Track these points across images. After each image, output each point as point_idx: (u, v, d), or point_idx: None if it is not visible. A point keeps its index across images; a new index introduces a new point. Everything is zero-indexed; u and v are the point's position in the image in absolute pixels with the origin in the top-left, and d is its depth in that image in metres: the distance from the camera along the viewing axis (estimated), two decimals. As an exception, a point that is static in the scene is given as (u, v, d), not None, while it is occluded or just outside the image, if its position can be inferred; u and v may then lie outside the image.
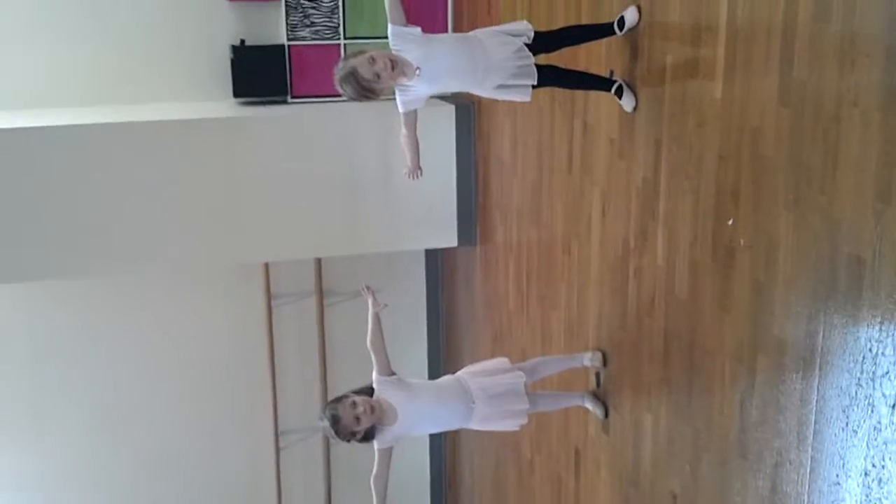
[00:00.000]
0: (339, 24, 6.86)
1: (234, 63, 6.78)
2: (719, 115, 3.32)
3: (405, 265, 7.95)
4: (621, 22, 3.87)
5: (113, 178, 6.14)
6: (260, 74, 6.81)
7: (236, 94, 6.81)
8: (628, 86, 3.95)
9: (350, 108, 6.76)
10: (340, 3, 6.83)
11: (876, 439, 2.57)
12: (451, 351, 7.94)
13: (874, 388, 2.57)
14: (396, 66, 3.55)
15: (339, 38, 6.89)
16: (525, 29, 3.77)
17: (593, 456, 4.72)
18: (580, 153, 4.70)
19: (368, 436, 3.67)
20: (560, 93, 4.89)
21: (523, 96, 3.82)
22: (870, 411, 2.59)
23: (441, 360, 8.18)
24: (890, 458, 2.52)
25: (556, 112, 5.00)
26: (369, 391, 3.76)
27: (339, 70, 3.60)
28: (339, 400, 3.67)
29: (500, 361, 4.26)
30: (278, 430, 7.97)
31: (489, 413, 4.00)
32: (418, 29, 3.65)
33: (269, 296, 7.69)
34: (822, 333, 2.78)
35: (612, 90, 3.96)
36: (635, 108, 3.94)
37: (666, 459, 3.88)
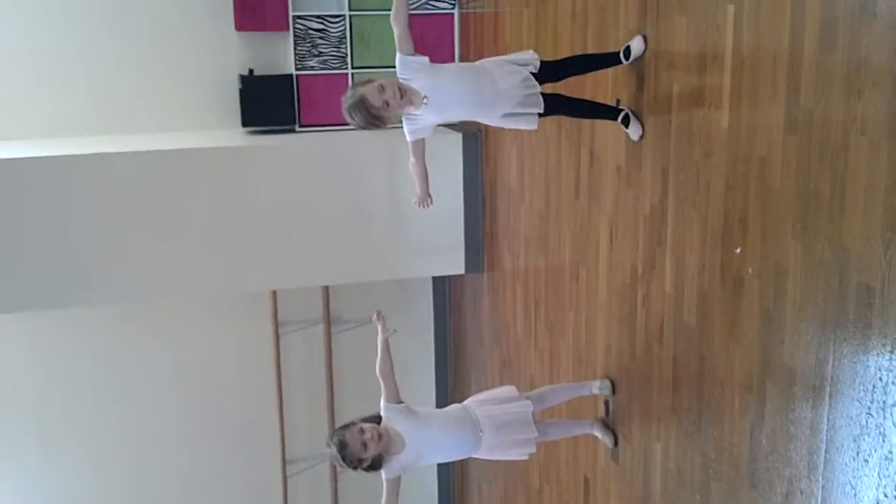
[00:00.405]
0: (346, 55, 6.92)
1: (242, 92, 6.83)
2: (726, 144, 3.33)
3: (413, 292, 7.95)
4: (627, 51, 3.89)
5: (122, 206, 6.17)
6: (268, 104, 6.86)
7: (245, 124, 6.86)
8: (635, 115, 3.96)
9: (357, 137, 6.81)
10: (348, 34, 6.90)
11: (887, 469, 2.55)
12: (459, 378, 7.92)
13: (885, 417, 2.55)
14: (405, 94, 3.58)
15: (346, 68, 6.94)
16: (531, 58, 3.79)
17: (602, 484, 4.70)
18: (587, 181, 4.71)
19: (375, 465, 3.66)
20: (567, 121, 4.91)
21: (530, 125, 3.83)
22: (881, 441, 2.58)
23: (449, 388, 8.16)
24: (902, 488, 2.51)
25: (563, 140, 5.02)
26: (377, 419, 3.74)
27: (348, 98, 3.61)
28: (346, 427, 3.66)
29: (508, 390, 4.25)
30: (286, 458, 7.95)
31: (497, 442, 3.98)
32: (426, 58, 3.67)
33: (276, 323, 7.69)
34: (831, 362, 2.77)
35: (619, 119, 3.98)
36: (642, 137, 3.96)
37: (676, 488, 3.86)
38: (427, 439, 3.84)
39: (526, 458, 4.17)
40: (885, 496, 2.57)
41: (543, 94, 3.76)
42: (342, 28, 6.91)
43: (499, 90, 3.69)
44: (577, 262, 4.92)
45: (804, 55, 2.85)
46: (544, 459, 5.55)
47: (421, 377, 8.03)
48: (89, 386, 7.57)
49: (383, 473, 3.72)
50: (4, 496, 7.72)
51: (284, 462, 7.95)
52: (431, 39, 6.78)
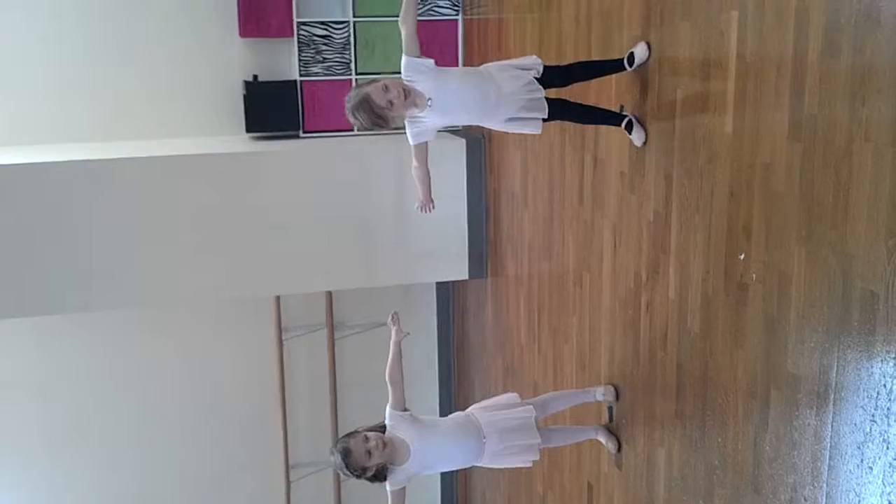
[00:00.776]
0: (350, 61, 6.93)
1: (246, 98, 6.84)
2: (730, 150, 3.32)
3: (416, 298, 7.95)
4: (631, 58, 3.89)
5: (126, 212, 6.18)
6: (272, 110, 6.87)
7: (249, 129, 6.87)
8: (638, 121, 3.97)
9: (361, 143, 6.82)
10: (352, 40, 6.91)
11: (892, 476, 2.55)
12: (463, 384, 7.92)
13: (889, 424, 2.55)
14: (409, 95, 3.58)
15: (350, 74, 6.95)
16: (535, 63, 3.80)
17: (606, 491, 4.69)
18: (591, 187, 4.71)
19: (380, 476, 3.64)
20: (571, 127, 4.91)
21: (534, 129, 3.83)
22: (885, 448, 2.57)
23: (452, 393, 8.16)
24: (906, 495, 2.50)
25: (567, 146, 5.02)
26: (382, 428, 3.73)
27: (352, 97, 3.60)
28: (350, 435, 3.65)
29: (511, 397, 4.23)
30: (289, 463, 7.95)
31: (500, 449, 3.96)
32: (432, 61, 3.67)
33: (279, 329, 7.69)
34: (835, 369, 2.77)
35: (623, 125, 3.98)
36: (645, 143, 3.96)
37: (679, 495, 3.85)
38: (431, 447, 3.82)
39: (529, 465, 4.15)
40: (890, 503, 2.56)
41: (548, 99, 3.76)
42: (346, 34, 6.92)
43: (502, 94, 3.70)
44: (581, 268, 4.92)
45: (808, 61, 2.85)
46: (547, 466, 5.54)
47: (424, 383, 8.02)
48: (93, 391, 7.58)
49: (388, 485, 3.70)
50: (10, 500, 7.73)
51: (288, 467, 7.95)
52: (435, 45, 6.79)
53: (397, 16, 3.69)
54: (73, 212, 6.08)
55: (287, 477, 7.96)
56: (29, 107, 6.83)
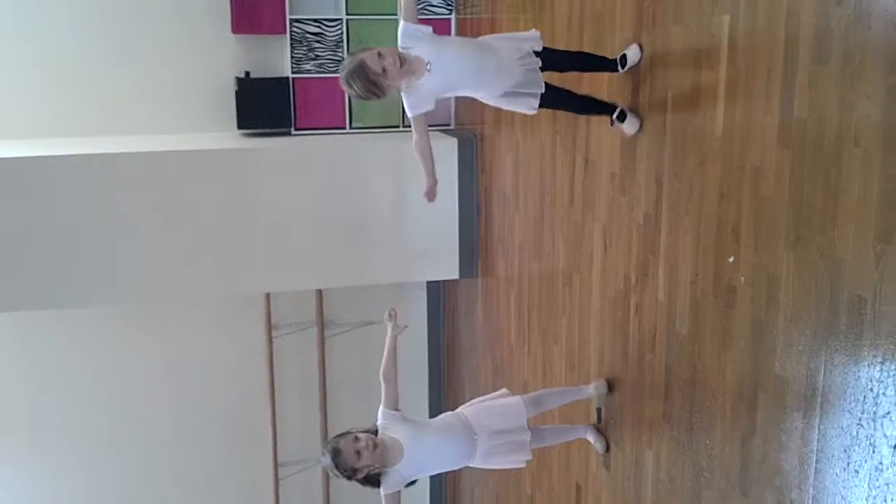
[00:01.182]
0: (343, 58, 6.91)
1: (238, 95, 6.83)
2: (720, 153, 3.33)
3: (407, 297, 7.95)
4: (623, 60, 3.89)
5: (115, 208, 6.17)
6: (264, 107, 6.86)
7: (240, 126, 6.86)
8: (632, 111, 3.95)
9: (353, 141, 6.82)
10: (344, 37, 6.90)
11: (878, 480, 2.56)
12: (452, 383, 7.93)
13: (875, 428, 2.56)
14: (405, 63, 3.49)
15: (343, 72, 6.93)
16: (533, 36, 3.73)
17: (594, 492, 4.70)
18: (581, 188, 4.72)
19: (373, 481, 3.61)
20: (562, 127, 4.92)
21: (528, 108, 3.74)
22: (871, 451, 2.58)
23: (442, 393, 8.16)
24: (892, 499, 2.51)
25: (558, 147, 5.03)
26: (374, 432, 3.70)
27: (347, 64, 3.51)
28: (341, 435, 3.61)
29: (501, 393, 4.22)
30: (277, 461, 7.94)
31: (491, 447, 3.93)
32: (430, 28, 3.59)
33: (269, 326, 7.68)
34: (822, 372, 2.78)
35: (615, 115, 3.95)
36: (639, 131, 3.92)
37: (667, 496, 3.86)
38: (424, 447, 3.78)
39: (522, 465, 4.12)
40: (875, 507, 2.57)
41: (547, 84, 3.70)
42: (339, 32, 6.91)
43: (501, 63, 3.61)
44: (571, 269, 4.93)
45: (798, 66, 2.86)
46: (536, 467, 5.55)
47: (414, 382, 8.02)
48: (81, 389, 7.55)
49: (382, 490, 3.66)
50: (-5, 497, 7.72)
51: (276, 465, 7.94)
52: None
53: (390, 14, 3.67)
54: (63, 207, 6.06)
55: (276, 475, 7.96)
56: (21, 102, 6.81)
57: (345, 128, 7.02)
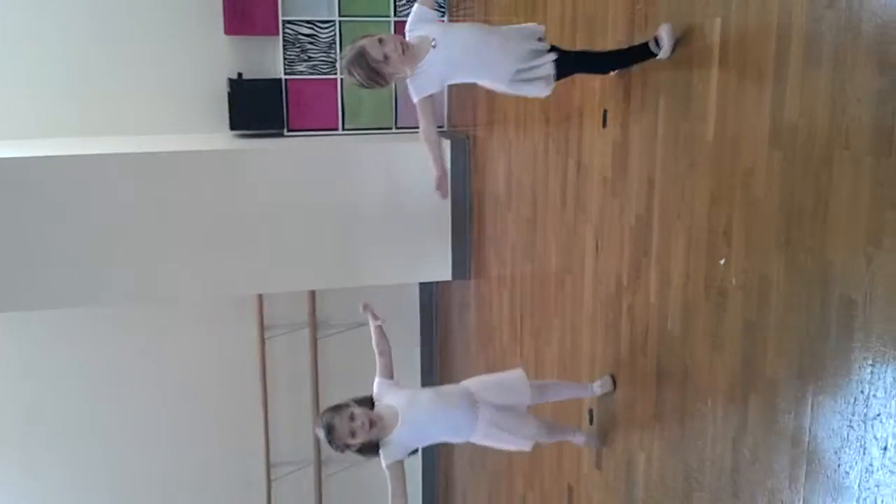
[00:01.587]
0: (335, 60, 6.92)
1: (231, 96, 6.83)
2: (711, 156, 3.34)
3: (399, 298, 7.96)
4: (657, 42, 3.59)
5: (107, 208, 6.16)
6: (257, 108, 6.86)
7: (233, 127, 6.86)
8: (656, 41, 3.60)
9: (346, 142, 6.82)
10: (337, 39, 6.90)
11: (868, 481, 2.57)
12: (445, 384, 7.91)
13: (866, 430, 2.57)
14: (407, 49, 3.40)
15: (335, 74, 6.95)
16: (537, 29, 3.60)
17: (586, 492, 4.71)
18: (574, 190, 4.73)
19: (369, 450, 3.52)
20: (555, 130, 4.93)
21: (542, 90, 3.56)
22: (861, 453, 2.59)
23: (434, 394, 8.15)
24: (882, 501, 2.52)
25: (551, 149, 5.04)
26: (370, 402, 3.62)
27: (348, 52, 3.43)
28: (338, 409, 3.51)
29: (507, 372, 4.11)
30: (270, 462, 7.93)
31: (494, 422, 3.78)
32: (443, 17, 3.54)
33: (262, 327, 7.68)
34: (813, 374, 2.79)
35: (651, 48, 3.60)
36: (674, 50, 3.57)
37: (658, 497, 3.87)
38: (421, 410, 3.67)
39: (526, 448, 3.96)
40: (865, 508, 2.59)
41: (557, 57, 3.52)
42: (332, 33, 6.92)
43: (509, 41, 3.49)
44: (563, 271, 4.94)
45: (790, 68, 2.87)
46: (528, 467, 5.56)
47: (406, 383, 8.00)
48: (72, 389, 7.54)
49: (382, 461, 3.55)
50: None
51: (269, 466, 7.94)
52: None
53: (383, 16, 3.65)
54: (53, 208, 6.05)
55: (268, 475, 7.96)
56: (12, 102, 6.79)
57: (338, 129, 7.02)
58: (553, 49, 3.53)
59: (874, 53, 2.51)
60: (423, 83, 3.51)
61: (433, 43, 3.44)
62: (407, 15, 3.61)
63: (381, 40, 3.37)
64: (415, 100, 3.55)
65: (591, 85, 4.29)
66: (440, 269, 6.93)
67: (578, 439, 4.46)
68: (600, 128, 4.31)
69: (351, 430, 3.45)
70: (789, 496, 2.94)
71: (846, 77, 2.61)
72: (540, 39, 3.57)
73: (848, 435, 2.64)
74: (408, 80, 3.50)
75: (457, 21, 6.85)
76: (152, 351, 7.62)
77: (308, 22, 6.90)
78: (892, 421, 2.48)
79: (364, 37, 3.44)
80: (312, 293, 7.75)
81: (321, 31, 6.92)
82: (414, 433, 3.63)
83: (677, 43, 3.52)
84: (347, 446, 3.48)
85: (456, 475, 7.69)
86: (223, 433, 7.89)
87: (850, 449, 2.64)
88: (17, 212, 5.99)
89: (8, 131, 6.76)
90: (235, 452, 7.97)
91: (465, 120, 6.72)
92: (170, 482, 7.89)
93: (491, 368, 6.46)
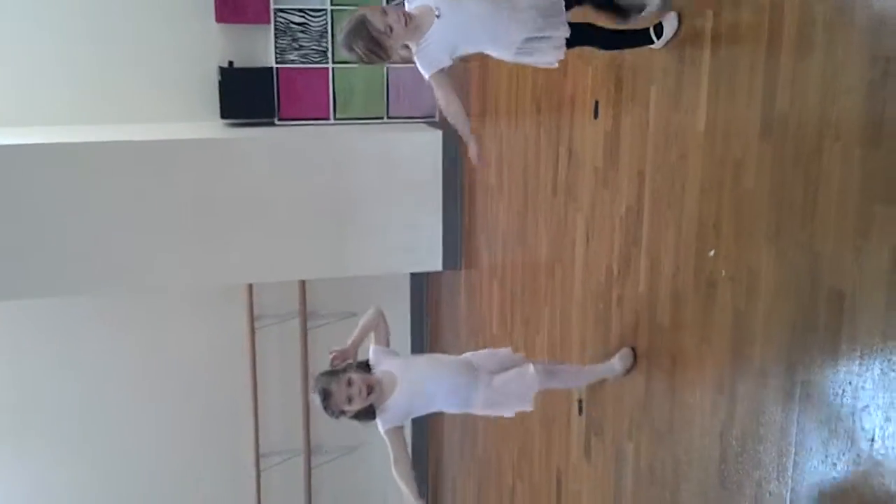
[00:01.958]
0: (327, 49, 6.89)
1: (221, 84, 6.79)
2: (702, 147, 3.34)
3: (390, 288, 7.94)
4: (659, 29, 3.50)
5: (97, 196, 6.13)
6: (247, 96, 6.83)
7: (223, 116, 6.83)
8: (661, 24, 3.51)
9: (337, 131, 6.80)
10: (329, 28, 6.87)
11: (856, 473, 2.58)
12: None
13: (853, 421, 2.58)
14: (409, 21, 3.21)
15: (327, 63, 6.92)
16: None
17: (575, 483, 4.72)
18: (565, 180, 4.73)
19: (366, 416, 3.39)
20: (546, 120, 4.92)
21: (551, 60, 3.36)
22: (849, 444, 2.60)
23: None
24: (869, 492, 2.53)
25: (542, 139, 5.03)
26: (368, 367, 3.48)
27: (348, 23, 3.24)
28: (334, 374, 3.38)
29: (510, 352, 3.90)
30: (259, 452, 7.93)
31: (496, 390, 3.60)
32: None
33: (252, 317, 7.66)
34: (801, 366, 2.80)
35: (653, 34, 3.51)
36: (677, 32, 3.49)
37: (647, 487, 3.88)
38: (418, 374, 3.55)
39: (529, 408, 3.72)
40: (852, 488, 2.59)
41: (570, 23, 3.36)
42: (323, 22, 6.89)
43: (518, 10, 3.29)
44: (554, 260, 4.93)
45: (781, 59, 2.86)
46: (518, 457, 5.57)
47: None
48: (61, 379, 7.51)
49: (380, 426, 3.41)
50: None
51: (258, 456, 7.93)
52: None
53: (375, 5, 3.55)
54: (43, 196, 6.02)
55: (257, 465, 7.95)
56: (1, 91, 6.75)
57: (329, 118, 6.99)
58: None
59: (865, 43, 2.51)
60: (431, 57, 3.30)
61: (437, 13, 3.24)
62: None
63: (384, 11, 3.19)
64: (426, 76, 3.33)
65: (582, 74, 4.28)
66: (431, 259, 6.92)
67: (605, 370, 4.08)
68: (592, 118, 4.30)
69: (348, 395, 3.32)
70: (777, 487, 2.95)
71: (837, 67, 2.61)
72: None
73: (836, 426, 2.65)
74: (415, 57, 3.31)
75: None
76: (142, 340, 7.60)
77: (300, 10, 6.87)
78: (880, 413, 2.49)
79: (365, 7, 3.26)
80: (303, 283, 7.73)
81: (313, 19, 6.88)
82: (413, 398, 3.48)
83: (674, 34, 3.49)
84: (343, 412, 3.35)
85: (445, 463, 7.70)
86: (213, 422, 7.88)
87: (837, 440, 2.65)
88: (7, 200, 5.95)
89: (-3, 118, 6.73)
90: (225, 441, 7.95)
91: (457, 110, 6.70)
92: (159, 471, 7.87)
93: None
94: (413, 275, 7.96)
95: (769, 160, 2.93)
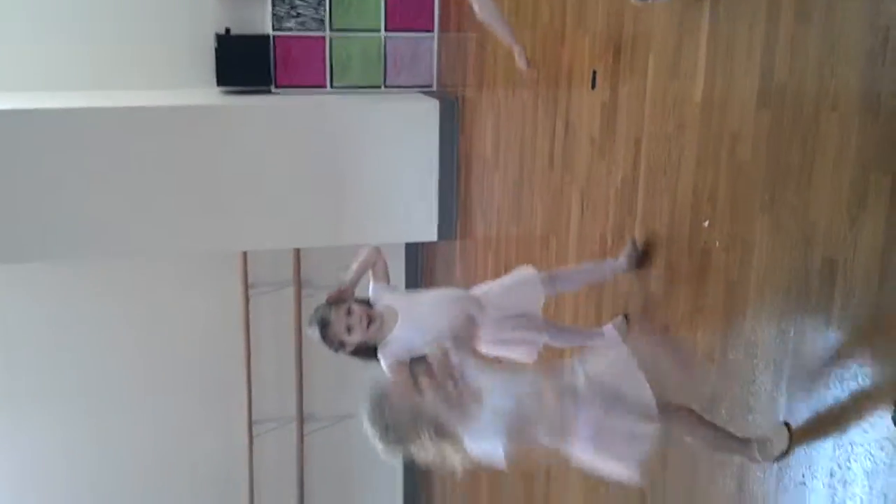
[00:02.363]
0: (325, 17, 6.84)
1: (218, 52, 6.75)
2: (699, 118, 3.34)
3: (385, 258, 7.94)
4: None
5: (94, 162, 6.11)
6: (244, 64, 6.79)
7: (220, 83, 6.79)
8: None
9: (333, 100, 6.77)
10: (327, -4, 6.83)
11: (842, 441, 2.60)
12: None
13: (843, 390, 2.59)
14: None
15: (324, 31, 6.87)
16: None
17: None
18: (561, 151, 4.72)
19: (366, 353, 3.28)
20: (543, 91, 4.91)
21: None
22: (838, 413, 2.62)
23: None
24: (854, 460, 2.55)
25: (539, 110, 5.02)
26: (369, 304, 3.39)
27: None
28: (334, 304, 3.28)
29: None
30: (252, 419, 7.96)
31: (501, 321, 3.52)
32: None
33: (246, 285, 7.67)
34: (792, 335, 2.81)
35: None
36: None
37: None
38: (421, 306, 3.44)
39: (534, 357, 3.65)
40: (839, 467, 2.62)
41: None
42: (321, -10, 6.84)
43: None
44: (549, 231, 4.94)
45: (780, 29, 2.86)
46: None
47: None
48: (54, 346, 7.51)
49: (382, 361, 3.26)
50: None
51: (251, 423, 7.96)
52: (412, 8, 6.71)
53: None
54: (38, 161, 6.00)
55: (250, 432, 7.98)
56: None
57: (326, 87, 6.96)
58: None
59: (864, 13, 2.50)
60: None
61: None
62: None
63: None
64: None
65: (580, 44, 4.26)
66: (426, 230, 6.92)
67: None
68: (589, 89, 4.29)
69: (348, 325, 3.21)
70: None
71: (836, 36, 2.61)
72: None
73: (825, 395, 2.67)
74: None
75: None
76: (136, 307, 7.60)
77: (298, -23, 6.82)
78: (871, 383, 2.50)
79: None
80: (297, 251, 7.73)
81: (311, -13, 6.84)
82: (415, 331, 3.29)
83: None
84: (343, 344, 3.22)
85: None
86: (206, 389, 7.90)
87: (826, 409, 2.67)
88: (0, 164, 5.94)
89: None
90: (218, 409, 7.98)
91: (455, 80, 6.68)
92: (151, 437, 7.90)
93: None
94: (408, 245, 7.96)
95: (766, 130, 2.93)
